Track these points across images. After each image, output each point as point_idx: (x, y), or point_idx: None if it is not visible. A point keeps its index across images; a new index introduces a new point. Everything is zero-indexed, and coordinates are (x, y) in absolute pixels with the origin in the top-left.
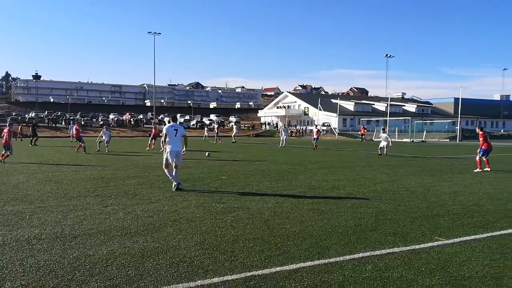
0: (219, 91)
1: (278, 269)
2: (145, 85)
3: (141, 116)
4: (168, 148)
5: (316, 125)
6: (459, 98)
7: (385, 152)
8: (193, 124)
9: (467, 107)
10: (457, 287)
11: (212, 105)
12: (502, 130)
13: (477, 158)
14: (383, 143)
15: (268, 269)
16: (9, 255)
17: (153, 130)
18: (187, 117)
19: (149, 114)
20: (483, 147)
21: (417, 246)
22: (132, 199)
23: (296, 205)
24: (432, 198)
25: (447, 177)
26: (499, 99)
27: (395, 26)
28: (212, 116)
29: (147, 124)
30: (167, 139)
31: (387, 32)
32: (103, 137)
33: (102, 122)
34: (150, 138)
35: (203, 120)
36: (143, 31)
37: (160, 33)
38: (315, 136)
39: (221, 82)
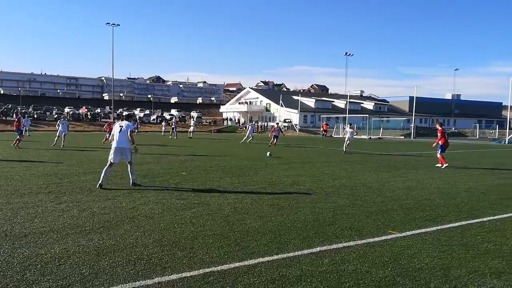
0: (181, 86)
1: (237, 264)
2: (103, 78)
3: (98, 110)
4: (113, 144)
5: (278, 122)
6: (413, 97)
7: (344, 147)
8: (153, 119)
9: (421, 105)
10: (408, 278)
11: (173, 99)
12: (453, 128)
13: (438, 155)
14: (347, 138)
15: (227, 265)
16: None
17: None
18: (147, 112)
19: (107, 108)
20: (439, 142)
21: (371, 240)
22: (87, 195)
23: (256, 201)
24: (387, 193)
25: (401, 173)
26: (450, 98)
27: (355, 25)
28: (173, 111)
29: (105, 118)
30: (114, 136)
31: (347, 30)
32: (60, 127)
33: (56, 115)
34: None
35: (164, 115)
36: (101, 22)
37: (119, 25)
38: (275, 134)
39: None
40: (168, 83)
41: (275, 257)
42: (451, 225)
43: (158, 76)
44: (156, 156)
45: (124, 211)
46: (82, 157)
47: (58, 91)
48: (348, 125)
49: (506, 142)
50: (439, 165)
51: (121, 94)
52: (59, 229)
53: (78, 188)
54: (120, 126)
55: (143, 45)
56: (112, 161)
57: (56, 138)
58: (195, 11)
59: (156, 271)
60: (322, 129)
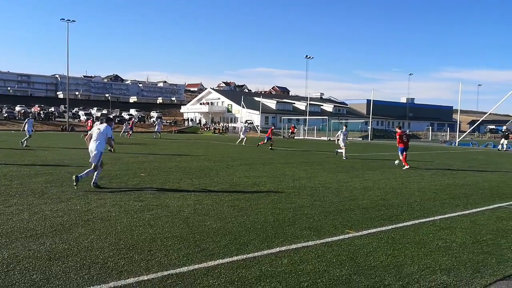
0: (140, 85)
1: (196, 266)
2: (57, 76)
3: (52, 109)
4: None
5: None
6: (371, 100)
7: (344, 155)
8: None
9: (378, 108)
10: (364, 276)
11: (132, 99)
12: (407, 131)
13: (401, 157)
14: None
15: (186, 267)
16: None
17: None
18: (104, 111)
19: (62, 107)
20: (399, 145)
21: (329, 239)
22: (39, 198)
23: (217, 202)
24: (345, 194)
25: (359, 174)
26: (405, 101)
27: (315, 28)
28: (132, 111)
29: (59, 118)
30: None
31: (308, 33)
32: (26, 127)
33: (6, 114)
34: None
35: (122, 114)
36: (55, 17)
37: (74, 21)
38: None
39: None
40: (127, 82)
41: (235, 258)
42: (405, 223)
43: (116, 75)
44: (113, 157)
45: (78, 214)
46: (34, 157)
47: (9, 88)
48: (344, 127)
49: (456, 144)
50: (406, 167)
51: (77, 93)
52: (8, 233)
53: (30, 190)
54: (98, 129)
55: (100, 43)
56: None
57: (26, 138)
58: (154, 9)
59: (111, 275)
60: (290, 130)
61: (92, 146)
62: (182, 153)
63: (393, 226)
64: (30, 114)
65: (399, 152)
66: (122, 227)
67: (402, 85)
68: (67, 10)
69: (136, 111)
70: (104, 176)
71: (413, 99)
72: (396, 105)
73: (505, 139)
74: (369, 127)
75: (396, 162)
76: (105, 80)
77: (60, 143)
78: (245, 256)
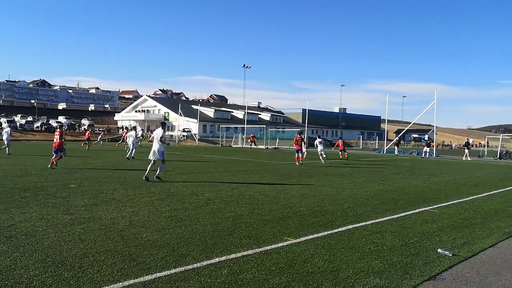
0: (70, 91)
1: (131, 281)
2: None
3: None
4: (152, 147)
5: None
6: (306, 109)
7: (322, 160)
8: (37, 127)
9: (313, 117)
10: (302, 282)
11: (61, 106)
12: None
13: (296, 156)
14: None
15: (120, 283)
16: None
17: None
18: (29, 118)
19: None
20: (296, 147)
21: (268, 247)
22: None
23: (154, 213)
24: (283, 201)
25: (296, 181)
26: (338, 111)
27: (253, 38)
28: (61, 118)
29: None
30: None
31: (245, 43)
32: (5, 135)
33: None
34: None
35: (50, 122)
36: None
37: None
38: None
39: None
40: (55, 88)
41: (173, 271)
42: (339, 229)
43: (44, 80)
44: (40, 168)
45: None
46: None
47: None
48: (318, 137)
49: (384, 152)
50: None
51: None
52: None
53: None
54: (156, 133)
55: (25, 45)
56: (151, 159)
57: (5, 147)
58: (84, 11)
59: None
60: (249, 140)
61: (155, 147)
62: (116, 162)
63: (329, 232)
64: (10, 125)
65: (295, 152)
66: (49, 243)
67: (335, 95)
68: None
69: (66, 118)
70: (28, 188)
71: (345, 109)
72: (330, 115)
73: (427, 147)
74: (304, 136)
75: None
76: (31, 85)
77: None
78: (183, 268)
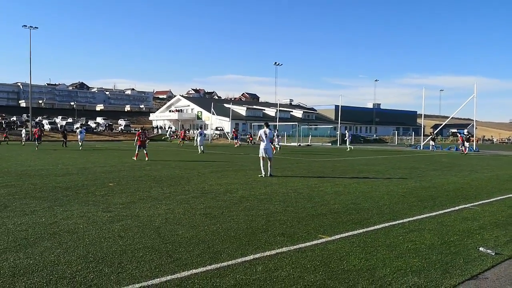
0: (107, 93)
1: (169, 277)
2: (19, 84)
3: (14, 118)
4: (262, 145)
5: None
6: (339, 106)
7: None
8: (77, 127)
9: (346, 113)
10: (338, 280)
11: (99, 107)
12: (374, 135)
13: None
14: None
15: (158, 279)
16: None
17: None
18: (69, 120)
19: (25, 116)
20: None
21: (303, 245)
22: (1, 211)
23: (189, 211)
24: (317, 198)
25: (329, 178)
26: (372, 107)
27: (285, 35)
28: (99, 119)
29: (21, 127)
30: (261, 140)
31: (276, 40)
32: (79, 135)
33: None
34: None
35: (89, 123)
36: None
37: (37, 27)
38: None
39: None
40: (93, 90)
41: (209, 267)
42: (375, 227)
43: (82, 83)
44: (80, 167)
45: (43, 227)
46: None
47: None
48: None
49: (421, 147)
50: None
51: (40, 101)
52: None
53: None
54: (265, 133)
55: (65, 50)
56: (262, 156)
57: (80, 142)
58: (121, 15)
59: None
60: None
61: (266, 146)
62: (152, 161)
63: (365, 230)
64: (81, 125)
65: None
66: (90, 240)
67: (368, 91)
68: (29, 17)
69: (103, 119)
70: (69, 186)
71: (379, 104)
72: (363, 111)
73: (467, 142)
74: (338, 132)
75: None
76: (70, 88)
77: (24, 153)
78: (219, 265)
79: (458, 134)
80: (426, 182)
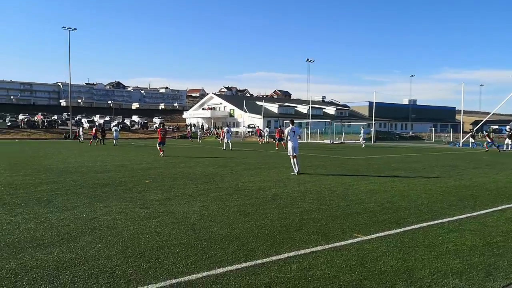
0: (142, 92)
1: (204, 274)
2: (59, 84)
3: (55, 117)
4: (290, 144)
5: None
6: (373, 102)
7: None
8: (114, 126)
9: (380, 110)
10: (375, 281)
11: (135, 105)
12: (410, 132)
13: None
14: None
15: (194, 275)
16: None
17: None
18: (107, 118)
19: (65, 114)
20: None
21: (338, 244)
22: (45, 207)
23: (223, 208)
24: (351, 197)
25: (364, 177)
26: (407, 103)
27: (316, 31)
28: (135, 117)
29: (62, 126)
30: (288, 137)
31: (308, 36)
32: (114, 133)
33: (10, 123)
34: (158, 143)
35: (125, 121)
36: (56, 26)
37: (75, 29)
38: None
39: (144, 82)
40: (129, 89)
41: (243, 264)
42: (413, 226)
43: (118, 82)
44: (118, 164)
45: (85, 222)
46: (38, 166)
47: (12, 97)
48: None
49: (460, 145)
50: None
51: (79, 100)
52: (15, 243)
53: (35, 199)
54: (293, 130)
55: (101, 50)
56: (291, 154)
57: (115, 141)
58: (155, 15)
59: (120, 284)
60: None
61: (295, 144)
62: (186, 158)
63: (402, 230)
64: (116, 123)
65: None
66: (128, 235)
67: (403, 86)
68: (68, 18)
69: (139, 117)
70: (108, 183)
71: (415, 100)
72: (399, 107)
73: (509, 139)
74: (372, 129)
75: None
76: (107, 87)
77: (64, 151)
78: (253, 263)
79: (484, 132)
80: (466, 180)
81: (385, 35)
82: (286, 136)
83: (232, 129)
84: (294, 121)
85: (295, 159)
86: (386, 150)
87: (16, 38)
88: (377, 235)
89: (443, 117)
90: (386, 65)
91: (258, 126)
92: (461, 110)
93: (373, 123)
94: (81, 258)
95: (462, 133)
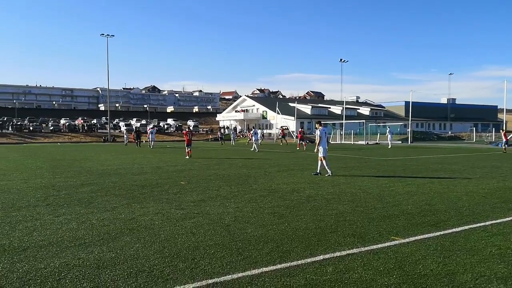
0: (177, 95)
1: (240, 275)
2: (98, 89)
3: (94, 121)
4: (321, 145)
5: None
6: (409, 102)
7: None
8: (150, 129)
9: (417, 110)
10: (414, 285)
11: (170, 109)
12: (449, 132)
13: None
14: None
15: (230, 276)
16: None
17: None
18: (143, 122)
19: (103, 118)
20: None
21: (375, 246)
22: (86, 207)
23: (257, 209)
24: (388, 199)
25: (401, 178)
26: (446, 102)
27: (349, 31)
28: (170, 120)
29: (101, 129)
30: (319, 140)
31: (341, 37)
32: (151, 135)
33: (52, 127)
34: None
35: (161, 124)
36: (95, 33)
37: (113, 35)
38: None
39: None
40: (164, 93)
41: (278, 266)
42: (454, 230)
43: (154, 86)
44: (154, 166)
45: (123, 223)
46: (79, 168)
47: (54, 102)
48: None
49: (503, 145)
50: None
51: (117, 105)
52: (58, 242)
53: (76, 200)
54: (325, 132)
55: (138, 55)
56: (324, 156)
57: (151, 143)
58: (187, 20)
59: (158, 283)
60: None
61: (325, 145)
62: (219, 160)
63: (442, 233)
64: (153, 126)
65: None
66: (165, 235)
67: (441, 85)
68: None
69: (174, 120)
70: (145, 185)
71: (454, 99)
72: (437, 106)
73: None
74: (409, 130)
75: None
76: (143, 91)
77: (103, 153)
78: (288, 264)
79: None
80: (511, 182)
81: (420, 32)
82: (319, 138)
83: (259, 131)
84: (321, 122)
85: (325, 161)
86: (424, 150)
87: (57, 46)
88: (416, 238)
89: (484, 116)
90: (423, 63)
91: (283, 127)
92: (504, 109)
93: (410, 123)
94: (121, 257)
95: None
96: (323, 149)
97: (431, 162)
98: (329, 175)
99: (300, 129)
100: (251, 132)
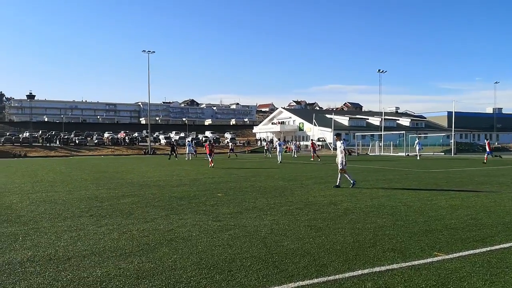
0: (214, 108)
1: None
2: (139, 103)
3: (136, 134)
4: (341, 157)
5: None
6: (452, 112)
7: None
8: (188, 141)
9: (461, 120)
10: None
11: (207, 122)
12: (496, 143)
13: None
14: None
15: None
16: (1, 279)
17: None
18: (182, 135)
19: (144, 132)
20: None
21: (416, 262)
22: (127, 218)
23: (293, 222)
24: (430, 213)
25: (444, 191)
26: (491, 112)
27: (386, 41)
28: (207, 133)
29: (142, 142)
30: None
31: (378, 47)
32: (188, 148)
33: (96, 140)
34: (208, 154)
35: (199, 137)
36: (137, 50)
37: (154, 52)
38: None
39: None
40: (201, 106)
41: (315, 280)
42: (501, 246)
43: (192, 100)
44: (192, 178)
45: (162, 234)
46: (121, 180)
47: (98, 117)
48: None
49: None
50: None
51: (157, 118)
52: (100, 252)
53: (118, 211)
54: (340, 146)
55: (177, 70)
56: (344, 168)
57: (188, 155)
58: (226, 35)
59: None
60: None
61: (342, 157)
62: (256, 172)
63: (488, 249)
64: (191, 140)
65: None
66: (202, 247)
67: (486, 94)
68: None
69: (211, 133)
70: (183, 196)
71: (500, 108)
72: (481, 116)
73: None
74: (452, 141)
75: None
76: (182, 105)
77: (144, 166)
78: (325, 279)
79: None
80: None
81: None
82: (343, 150)
83: (283, 143)
84: (340, 134)
85: (345, 173)
86: (469, 162)
87: (101, 63)
88: (460, 254)
89: None
90: (465, 72)
91: (313, 140)
92: None
93: (453, 133)
94: (159, 268)
95: None
96: (343, 162)
97: (476, 175)
98: (352, 185)
99: (311, 140)
100: (276, 143)
